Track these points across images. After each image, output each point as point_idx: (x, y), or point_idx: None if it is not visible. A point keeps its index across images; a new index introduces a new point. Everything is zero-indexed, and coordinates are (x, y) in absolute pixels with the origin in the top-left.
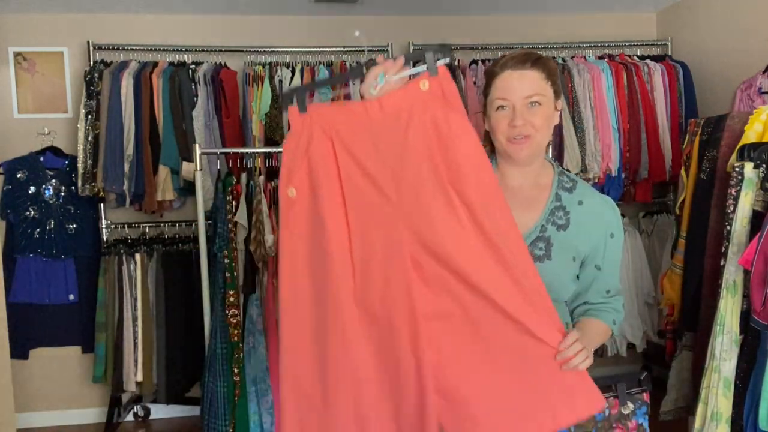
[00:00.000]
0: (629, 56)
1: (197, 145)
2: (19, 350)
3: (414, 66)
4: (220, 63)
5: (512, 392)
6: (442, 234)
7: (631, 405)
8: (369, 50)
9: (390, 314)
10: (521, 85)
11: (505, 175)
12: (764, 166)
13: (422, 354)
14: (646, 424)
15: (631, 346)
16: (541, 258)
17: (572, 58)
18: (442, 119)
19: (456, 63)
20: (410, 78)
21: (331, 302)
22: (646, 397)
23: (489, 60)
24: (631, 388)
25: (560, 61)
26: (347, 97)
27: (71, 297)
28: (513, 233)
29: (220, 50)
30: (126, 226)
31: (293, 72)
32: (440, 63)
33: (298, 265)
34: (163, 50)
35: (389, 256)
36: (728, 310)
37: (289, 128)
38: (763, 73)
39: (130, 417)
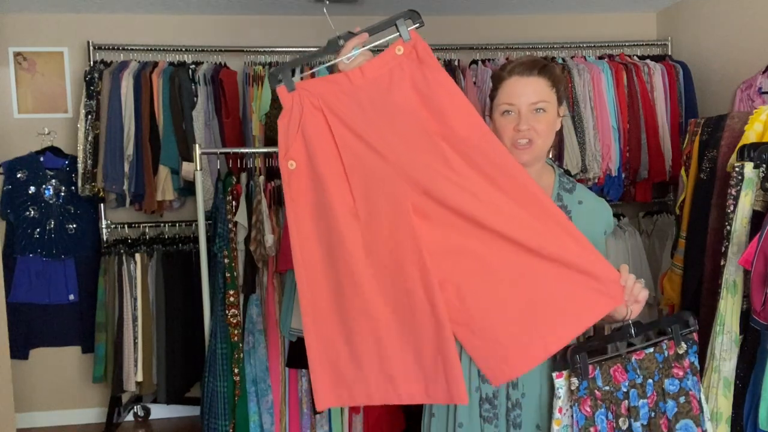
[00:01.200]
0: (629, 56)
1: (197, 145)
2: (19, 350)
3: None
4: (220, 63)
5: (530, 312)
6: (440, 182)
7: (684, 345)
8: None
9: (399, 261)
10: (527, 92)
11: None
12: (764, 166)
13: (434, 292)
14: (696, 362)
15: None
16: None
17: (572, 58)
18: (420, 78)
19: (456, 63)
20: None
21: (342, 260)
22: (695, 336)
23: (489, 60)
24: (682, 329)
25: (560, 61)
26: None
27: (71, 297)
28: (507, 162)
29: (220, 50)
30: (126, 226)
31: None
32: (411, 28)
33: (305, 231)
34: (163, 50)
35: (393, 209)
36: (728, 310)
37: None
38: (763, 73)
39: (130, 417)
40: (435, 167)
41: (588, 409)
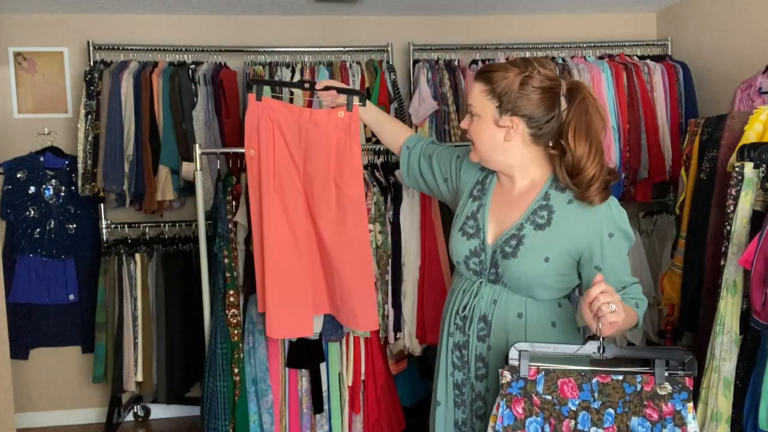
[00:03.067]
0: (629, 56)
1: (197, 145)
2: (19, 350)
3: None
4: (220, 63)
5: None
6: (318, 204)
7: (668, 387)
8: (369, 50)
9: (302, 232)
10: (470, 94)
11: (498, 174)
12: (764, 166)
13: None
14: (685, 413)
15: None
16: (507, 255)
17: (572, 58)
18: (343, 140)
19: (456, 63)
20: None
21: (270, 214)
22: (688, 382)
23: (489, 60)
24: (674, 369)
25: (560, 61)
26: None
27: (71, 297)
28: (361, 213)
29: (220, 50)
30: (126, 226)
31: (293, 72)
32: (356, 103)
33: (265, 196)
34: (163, 50)
35: (296, 202)
36: (728, 310)
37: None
38: (763, 73)
39: (130, 417)
40: (320, 197)
41: (520, 411)
